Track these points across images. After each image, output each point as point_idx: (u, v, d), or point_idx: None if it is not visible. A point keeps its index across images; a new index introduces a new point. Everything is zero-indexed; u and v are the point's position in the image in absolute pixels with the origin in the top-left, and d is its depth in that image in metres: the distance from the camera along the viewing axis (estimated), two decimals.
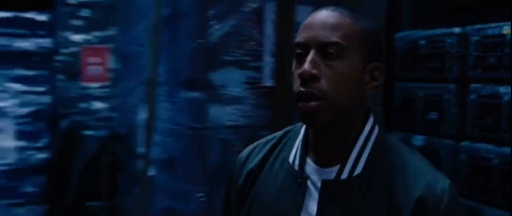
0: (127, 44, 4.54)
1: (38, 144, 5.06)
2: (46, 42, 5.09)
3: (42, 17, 5.08)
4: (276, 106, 2.66)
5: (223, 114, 3.21)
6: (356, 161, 1.36)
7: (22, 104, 5.08)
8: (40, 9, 5.09)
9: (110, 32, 5.03)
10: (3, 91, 5.03)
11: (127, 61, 4.57)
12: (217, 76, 3.22)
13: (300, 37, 1.36)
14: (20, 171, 4.99)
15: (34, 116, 5.07)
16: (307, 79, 1.31)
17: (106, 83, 5.02)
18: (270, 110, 2.91)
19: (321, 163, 1.38)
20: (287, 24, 2.71)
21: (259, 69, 3.22)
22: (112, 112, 4.95)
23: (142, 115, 3.89)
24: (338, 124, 1.35)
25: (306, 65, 1.31)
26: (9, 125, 5.05)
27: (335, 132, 1.36)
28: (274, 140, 1.52)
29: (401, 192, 1.32)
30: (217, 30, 3.16)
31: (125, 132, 4.54)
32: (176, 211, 3.44)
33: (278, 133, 1.53)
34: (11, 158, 5.03)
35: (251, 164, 1.50)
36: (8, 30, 5.04)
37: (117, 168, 4.68)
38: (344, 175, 1.35)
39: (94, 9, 5.13)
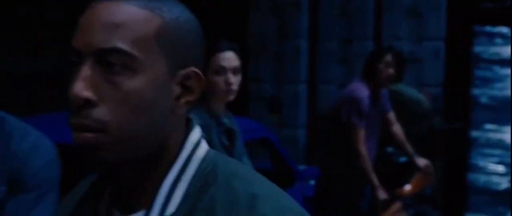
0: None
1: None
2: None
3: None
4: None
5: None
6: (168, 199, 0.99)
7: None
8: None
9: None
10: None
11: None
12: None
13: (73, 40, 0.97)
14: None
15: None
16: (79, 104, 0.94)
17: None
18: None
19: (128, 208, 1.02)
20: None
21: None
22: None
23: None
24: (138, 160, 0.99)
25: (77, 86, 0.93)
26: None
27: (136, 169, 1.00)
28: (88, 185, 1.10)
29: None
30: None
31: None
32: None
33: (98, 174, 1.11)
34: None
35: None
36: None
37: None
38: None
39: None
